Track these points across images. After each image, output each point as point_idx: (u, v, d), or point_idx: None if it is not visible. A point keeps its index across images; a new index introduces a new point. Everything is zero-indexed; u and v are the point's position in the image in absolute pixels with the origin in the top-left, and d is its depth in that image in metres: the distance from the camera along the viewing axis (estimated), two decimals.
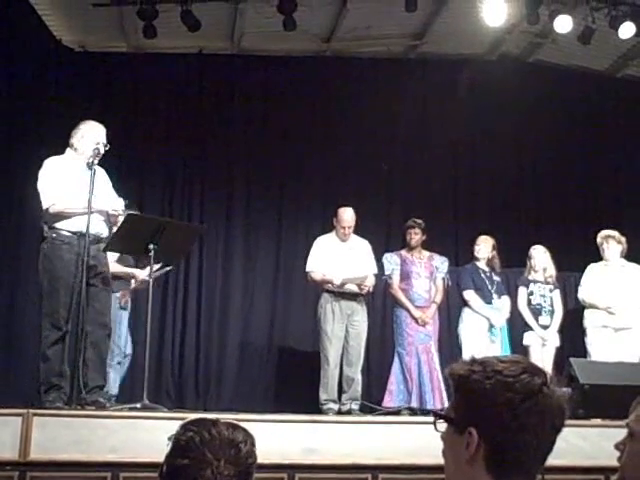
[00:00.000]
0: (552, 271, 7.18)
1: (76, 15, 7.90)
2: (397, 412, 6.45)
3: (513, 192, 9.26)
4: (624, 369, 5.94)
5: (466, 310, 7.08)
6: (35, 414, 4.40)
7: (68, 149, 5.28)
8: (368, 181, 8.79)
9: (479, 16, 7.80)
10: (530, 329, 7.01)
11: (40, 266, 5.11)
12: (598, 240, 7.06)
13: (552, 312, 7.10)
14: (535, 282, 7.14)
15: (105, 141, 5.26)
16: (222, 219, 8.66)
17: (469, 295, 7.06)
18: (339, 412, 6.39)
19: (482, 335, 6.95)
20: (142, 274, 6.19)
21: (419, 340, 6.80)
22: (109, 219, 5.27)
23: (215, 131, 8.77)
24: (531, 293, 7.10)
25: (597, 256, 7.11)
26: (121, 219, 5.22)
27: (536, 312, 7.05)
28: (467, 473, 1.44)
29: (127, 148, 8.12)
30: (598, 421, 5.07)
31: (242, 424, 1.92)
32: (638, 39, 8.18)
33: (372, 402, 6.79)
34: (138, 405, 5.07)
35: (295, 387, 7.71)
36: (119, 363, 6.28)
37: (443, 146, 9.07)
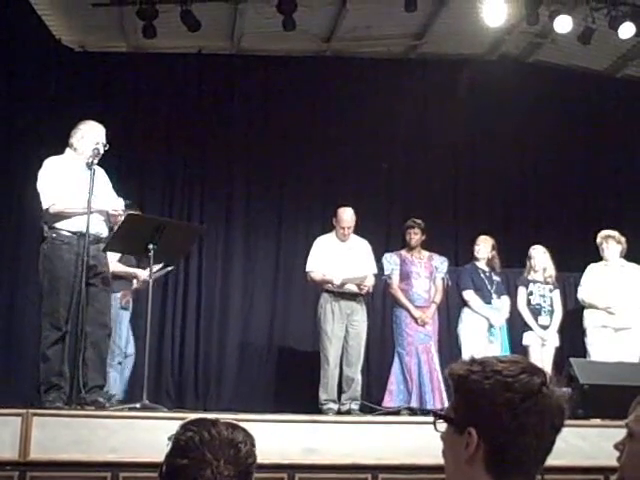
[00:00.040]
0: (552, 271, 7.17)
1: (76, 15, 7.90)
2: (397, 412, 6.45)
3: (513, 192, 9.26)
4: (624, 369, 5.94)
5: (466, 310, 7.08)
6: (35, 414, 4.40)
7: (68, 149, 5.28)
8: (368, 181, 8.79)
9: (479, 16, 7.80)
10: (530, 329, 7.01)
11: (40, 266, 5.11)
12: (598, 240, 7.06)
13: (552, 312, 7.10)
14: (535, 282, 7.14)
15: (105, 141, 5.26)
16: (222, 219, 8.66)
17: (468, 295, 7.06)
18: (339, 412, 6.39)
19: (482, 335, 6.95)
20: (144, 274, 6.17)
21: (419, 340, 6.80)
22: (109, 219, 5.27)
23: (215, 131, 8.77)
24: (531, 293, 7.10)
25: (597, 256, 7.11)
26: (121, 219, 5.22)
27: (536, 312, 7.05)
28: (467, 473, 1.44)
29: (127, 148, 8.12)
30: (598, 421, 5.07)
31: (242, 424, 1.92)
32: (638, 39, 8.18)
33: (372, 402, 6.79)
34: (138, 405, 5.07)
35: (295, 387, 7.71)
36: (119, 363, 6.28)
37: (443, 146, 9.07)
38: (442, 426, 1.50)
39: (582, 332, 6.97)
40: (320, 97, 9.00)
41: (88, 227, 4.94)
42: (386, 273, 7.00)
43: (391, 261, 7.03)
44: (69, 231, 5.07)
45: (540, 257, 7.16)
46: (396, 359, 6.85)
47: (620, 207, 9.05)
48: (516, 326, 7.19)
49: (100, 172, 5.26)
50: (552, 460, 1.50)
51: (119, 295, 6.27)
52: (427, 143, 9.02)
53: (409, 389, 6.69)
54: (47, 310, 5.04)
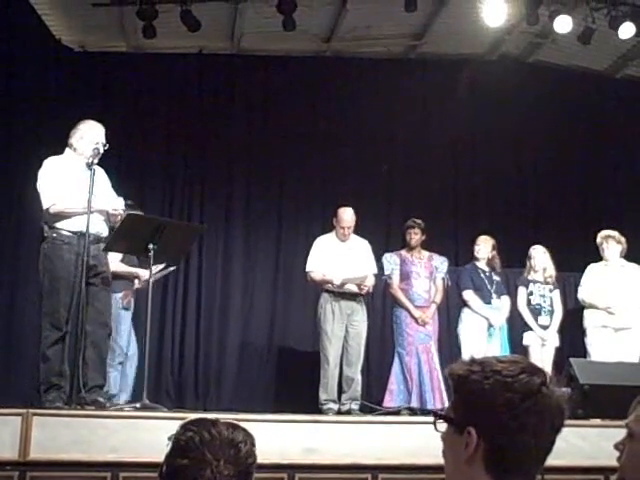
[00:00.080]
0: (552, 271, 7.17)
1: (76, 15, 7.90)
2: (397, 412, 6.45)
3: (513, 192, 9.26)
4: (624, 369, 5.94)
5: (465, 310, 7.08)
6: (35, 414, 4.40)
7: (67, 149, 5.28)
8: (368, 181, 8.79)
9: (479, 16, 7.80)
10: (530, 329, 7.01)
11: (40, 266, 5.11)
12: (598, 240, 7.06)
13: (552, 312, 7.10)
14: (535, 282, 7.14)
15: (104, 141, 5.26)
16: (222, 219, 8.66)
17: (468, 295, 7.06)
18: (339, 412, 6.39)
19: (481, 335, 6.95)
20: (146, 274, 6.13)
21: (419, 340, 6.80)
22: (109, 219, 5.28)
23: (215, 131, 8.77)
24: (531, 293, 7.10)
25: (597, 256, 7.11)
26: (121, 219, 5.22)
27: (535, 312, 7.05)
28: (466, 473, 1.44)
29: (127, 148, 8.13)
30: (598, 421, 5.07)
31: (242, 424, 1.92)
32: (638, 39, 8.18)
33: (372, 402, 6.79)
34: (138, 405, 5.07)
35: (295, 387, 7.71)
36: (120, 363, 6.27)
37: (443, 146, 9.08)
38: (442, 426, 1.50)
39: (582, 332, 6.97)
40: (320, 97, 9.00)
41: (88, 227, 4.95)
42: (386, 273, 7.00)
43: (391, 261, 7.03)
44: (69, 231, 5.07)
45: (540, 257, 7.16)
46: (396, 359, 6.85)
47: (620, 207, 9.05)
48: (516, 326, 7.19)
49: (100, 172, 5.26)
50: (552, 460, 1.50)
51: (121, 295, 6.27)
52: (427, 143, 9.02)
53: (409, 389, 6.69)
54: (47, 310, 5.04)
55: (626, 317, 6.84)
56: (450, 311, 7.84)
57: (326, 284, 6.66)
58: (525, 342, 7.00)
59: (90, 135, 5.23)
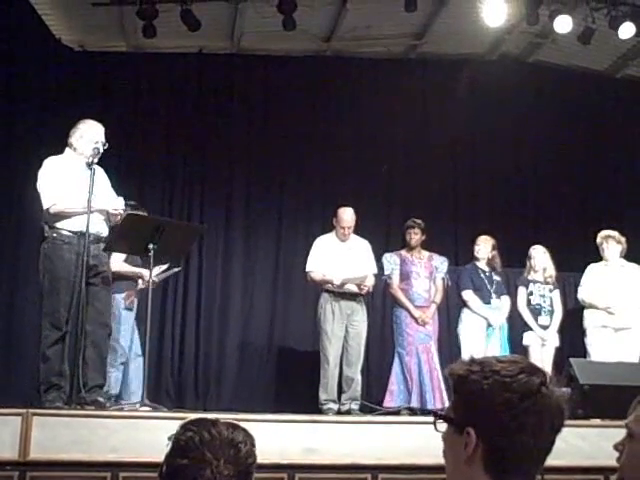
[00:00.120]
0: (552, 271, 7.17)
1: (76, 15, 7.90)
2: (397, 412, 6.45)
3: (513, 192, 9.26)
4: (624, 369, 5.94)
5: (465, 310, 7.08)
6: (35, 414, 4.40)
7: (67, 149, 5.28)
8: (368, 181, 8.79)
9: (479, 16, 7.80)
10: (530, 329, 7.01)
11: (40, 266, 5.11)
12: (598, 240, 7.06)
13: (551, 312, 7.10)
14: (535, 282, 7.14)
15: (104, 140, 5.26)
16: (222, 219, 8.66)
17: (467, 295, 7.06)
18: (339, 412, 6.39)
19: (481, 335, 6.95)
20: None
21: (419, 340, 6.80)
22: (109, 218, 5.28)
23: (215, 131, 8.77)
24: (531, 293, 7.10)
25: (597, 256, 7.11)
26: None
27: (535, 312, 7.05)
28: (466, 473, 1.44)
29: (127, 148, 8.13)
30: (597, 421, 5.06)
31: (242, 424, 1.92)
32: (638, 39, 8.19)
33: (372, 402, 6.79)
34: (138, 405, 5.07)
35: (295, 387, 7.71)
36: (122, 364, 6.27)
37: (443, 146, 9.08)
38: (442, 426, 1.50)
39: (582, 332, 6.97)
40: (320, 97, 9.00)
41: (88, 227, 4.95)
42: (386, 273, 7.00)
43: (391, 261, 7.03)
44: (70, 231, 5.07)
45: (540, 257, 7.16)
46: (396, 359, 6.85)
47: (620, 207, 9.05)
48: (516, 326, 7.18)
49: (100, 172, 5.27)
50: (552, 460, 1.50)
51: (123, 295, 6.26)
52: (427, 143, 9.02)
53: (409, 389, 6.69)
54: (47, 310, 5.04)
55: (626, 317, 6.84)
56: (450, 311, 7.84)
57: (326, 284, 6.66)
58: (525, 342, 7.00)
59: (90, 134, 5.24)
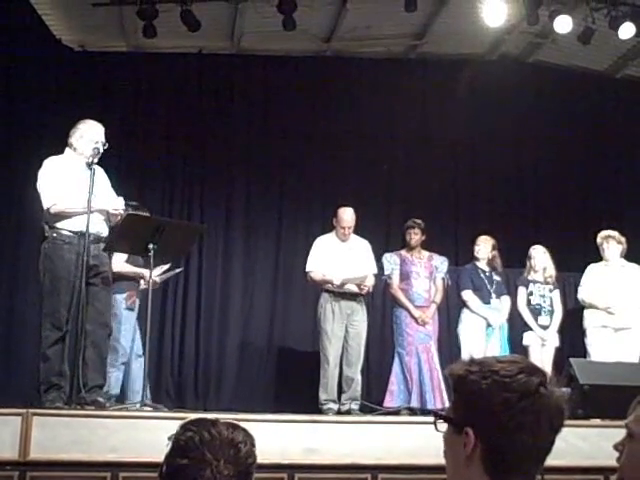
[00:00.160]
0: (552, 271, 7.17)
1: (76, 15, 7.90)
2: (397, 412, 6.45)
3: (513, 192, 9.27)
4: (623, 369, 5.94)
5: (465, 310, 7.08)
6: (35, 414, 4.40)
7: (67, 149, 5.28)
8: (368, 181, 8.79)
9: (479, 16, 7.80)
10: (530, 329, 7.01)
11: (41, 266, 5.11)
12: (598, 240, 7.06)
13: (551, 312, 7.10)
14: (535, 282, 7.13)
15: (104, 140, 5.26)
16: (222, 219, 8.66)
17: (467, 295, 7.06)
18: (339, 412, 6.39)
19: (481, 335, 6.95)
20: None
21: (419, 340, 6.80)
22: (109, 218, 5.28)
23: (215, 131, 8.77)
24: (531, 293, 7.10)
25: (597, 256, 7.11)
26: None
27: (535, 312, 7.05)
28: (465, 474, 1.44)
29: (127, 148, 8.14)
30: (597, 421, 5.07)
31: (242, 424, 1.92)
32: (638, 39, 8.19)
33: (372, 402, 6.79)
34: (138, 405, 5.07)
35: (295, 387, 7.71)
36: (123, 364, 6.26)
37: (443, 146, 9.08)
38: (443, 426, 1.50)
39: (582, 332, 6.97)
40: (320, 97, 9.00)
41: (88, 227, 4.95)
42: (386, 273, 7.01)
43: (391, 261, 7.03)
44: (70, 231, 5.07)
45: (540, 257, 7.16)
46: (396, 359, 6.85)
47: (620, 207, 9.05)
48: (516, 326, 7.18)
49: (100, 172, 5.27)
50: (552, 460, 1.50)
51: (125, 296, 6.26)
52: (427, 143, 9.02)
53: (409, 389, 6.69)
54: (48, 310, 5.04)
55: (626, 317, 6.84)
56: (450, 311, 7.85)
57: (326, 284, 6.66)
58: (525, 342, 7.00)
59: (89, 134, 5.24)
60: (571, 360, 5.67)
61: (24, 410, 4.41)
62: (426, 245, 7.17)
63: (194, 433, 1.83)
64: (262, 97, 8.96)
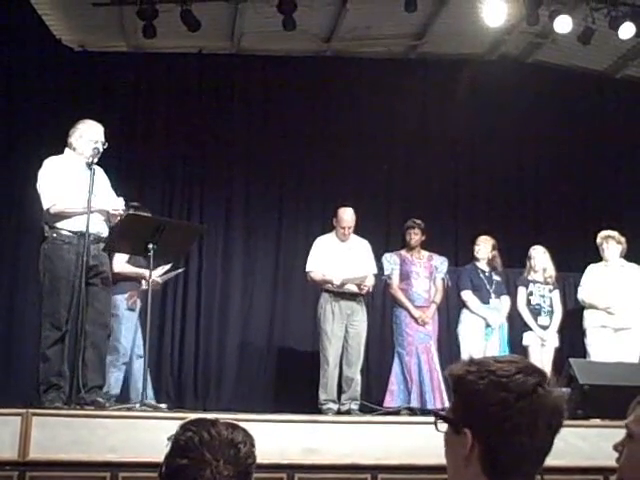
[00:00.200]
0: (552, 271, 7.17)
1: (76, 15, 7.90)
2: (396, 412, 6.45)
3: (513, 192, 9.27)
4: (623, 369, 5.94)
5: (465, 311, 7.08)
6: (34, 414, 4.40)
7: (67, 149, 5.28)
8: (368, 181, 8.79)
9: (479, 16, 7.80)
10: (529, 329, 7.01)
11: (41, 266, 5.11)
12: (598, 240, 7.06)
13: (551, 312, 7.10)
14: (535, 282, 7.13)
15: (103, 139, 5.26)
16: (222, 219, 8.66)
17: (466, 295, 7.06)
18: (338, 412, 6.39)
19: (480, 335, 6.95)
20: (153, 275, 6.13)
21: (419, 340, 6.80)
22: (109, 219, 5.28)
23: (215, 131, 8.77)
24: (530, 293, 7.10)
25: (597, 256, 7.11)
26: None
27: (535, 312, 7.05)
28: (464, 474, 1.44)
29: (127, 148, 8.14)
30: (597, 421, 5.07)
31: (241, 424, 1.91)
32: (638, 39, 8.18)
33: (372, 402, 6.79)
34: (137, 405, 5.07)
35: (295, 387, 7.71)
36: (124, 364, 6.26)
37: (443, 146, 9.08)
38: (443, 426, 1.50)
39: (582, 332, 6.97)
40: (320, 97, 9.00)
41: (88, 227, 4.95)
42: (386, 273, 7.01)
43: (391, 261, 7.03)
44: (70, 231, 5.07)
45: (540, 257, 7.16)
46: (396, 359, 6.85)
47: (620, 207, 9.05)
48: (516, 326, 7.18)
49: (100, 172, 5.27)
50: (551, 460, 1.50)
51: (126, 296, 6.26)
52: (427, 143, 9.02)
53: (409, 389, 6.69)
54: (47, 310, 5.04)
55: (626, 317, 6.84)
56: (450, 311, 7.85)
57: (326, 284, 6.66)
58: (525, 342, 7.00)
59: (89, 134, 5.24)
60: (571, 360, 5.67)
61: (24, 410, 4.41)
62: (426, 245, 7.17)
63: (194, 433, 1.82)
64: (262, 97, 8.96)
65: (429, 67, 9.21)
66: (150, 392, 6.22)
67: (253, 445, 1.88)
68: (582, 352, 6.84)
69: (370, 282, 6.71)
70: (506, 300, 7.18)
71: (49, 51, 8.16)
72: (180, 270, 6.89)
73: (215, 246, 8.54)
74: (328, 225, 7.09)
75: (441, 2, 8.12)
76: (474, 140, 9.21)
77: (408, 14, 7.68)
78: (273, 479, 4.39)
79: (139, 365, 6.27)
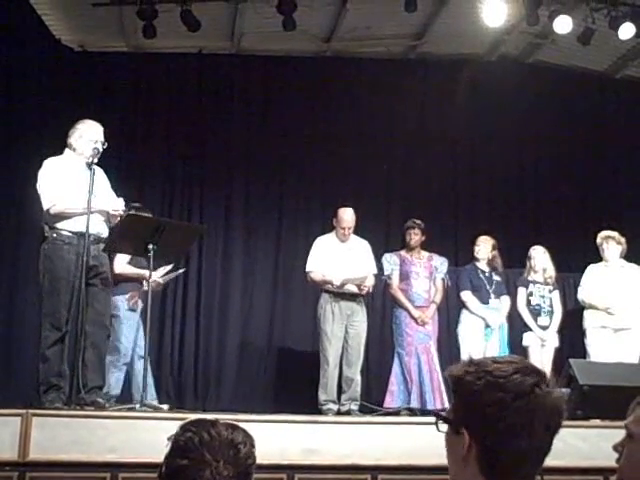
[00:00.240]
0: (552, 272, 7.17)
1: (76, 15, 7.90)
2: (396, 413, 6.45)
3: (513, 192, 9.27)
4: (623, 370, 5.93)
5: (465, 311, 7.08)
6: (34, 414, 4.40)
7: (67, 149, 5.28)
8: (368, 181, 8.79)
9: (479, 16, 7.80)
10: (529, 330, 7.01)
11: (41, 266, 5.11)
12: (598, 241, 7.06)
13: (551, 313, 7.10)
14: (534, 283, 7.13)
15: (103, 139, 5.26)
16: (221, 219, 8.66)
17: (466, 296, 7.06)
18: (338, 412, 6.38)
19: (480, 336, 6.95)
20: (154, 276, 6.12)
21: (418, 340, 6.80)
22: (109, 219, 5.28)
23: (215, 131, 8.77)
24: (530, 294, 7.10)
25: (597, 256, 7.11)
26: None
27: (535, 313, 7.05)
28: (463, 475, 1.44)
29: (127, 148, 8.14)
30: (597, 422, 5.07)
31: (241, 424, 1.91)
32: (638, 40, 8.18)
33: (372, 402, 6.79)
34: (137, 405, 5.07)
35: (295, 387, 7.70)
36: (125, 364, 6.26)
37: (443, 146, 9.08)
38: (444, 427, 1.50)
39: (582, 333, 6.96)
40: (320, 97, 9.00)
41: (88, 227, 4.95)
42: (386, 273, 7.01)
43: (391, 261, 7.03)
44: (70, 231, 5.07)
45: (540, 257, 7.16)
46: (396, 360, 6.85)
47: (620, 207, 9.05)
48: (516, 327, 7.18)
49: (100, 172, 5.27)
50: (551, 461, 1.49)
51: (127, 296, 6.26)
52: (427, 143, 9.02)
53: (409, 389, 6.69)
54: (47, 310, 5.04)
55: (626, 317, 6.84)
56: (450, 311, 7.84)
57: (326, 284, 6.66)
58: (525, 343, 7.00)
59: (89, 134, 5.24)
60: (571, 361, 5.67)
61: (24, 410, 4.41)
62: (426, 245, 7.17)
63: (194, 434, 1.82)
64: (262, 97, 8.96)
65: (429, 67, 9.21)
66: (153, 393, 6.23)
67: (253, 445, 1.88)
68: (582, 352, 6.84)
69: (370, 282, 6.70)
70: (506, 300, 7.17)
71: (49, 51, 8.16)
72: (181, 271, 6.89)
73: (215, 246, 8.54)
74: (328, 225, 7.09)
75: (441, 2, 8.12)
76: (474, 140, 9.21)
77: (408, 14, 7.68)
78: (273, 479, 4.39)
79: (141, 365, 6.27)
